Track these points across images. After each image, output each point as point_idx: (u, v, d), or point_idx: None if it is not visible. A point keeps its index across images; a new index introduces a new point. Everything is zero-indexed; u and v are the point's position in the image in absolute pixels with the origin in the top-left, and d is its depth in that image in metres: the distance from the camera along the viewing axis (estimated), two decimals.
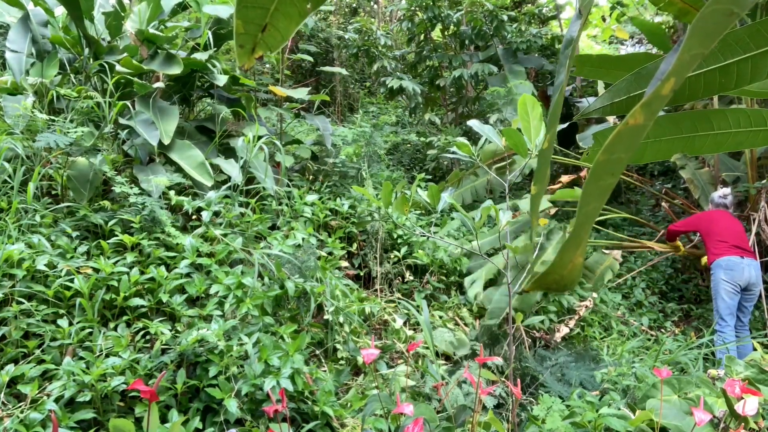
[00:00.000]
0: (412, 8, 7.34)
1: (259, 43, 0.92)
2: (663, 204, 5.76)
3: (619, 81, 1.48)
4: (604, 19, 10.25)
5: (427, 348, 3.17)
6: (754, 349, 3.36)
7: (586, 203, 0.78)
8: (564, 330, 4.02)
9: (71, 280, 2.78)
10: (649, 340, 4.50)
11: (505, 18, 7.13)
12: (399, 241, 4.79)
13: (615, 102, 1.51)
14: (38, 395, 2.31)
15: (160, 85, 4.53)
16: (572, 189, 4.67)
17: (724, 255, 4.32)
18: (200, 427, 2.37)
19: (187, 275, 3.15)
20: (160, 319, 2.83)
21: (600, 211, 0.83)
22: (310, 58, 5.76)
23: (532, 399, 3.10)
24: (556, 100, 1.00)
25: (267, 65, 7.21)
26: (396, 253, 4.68)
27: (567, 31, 1.07)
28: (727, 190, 4.73)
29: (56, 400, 2.25)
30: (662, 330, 4.76)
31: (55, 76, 4.40)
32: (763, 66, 1.22)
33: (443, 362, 3.73)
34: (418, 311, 3.75)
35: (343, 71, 6.06)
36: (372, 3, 11.04)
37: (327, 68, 5.97)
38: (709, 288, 4.96)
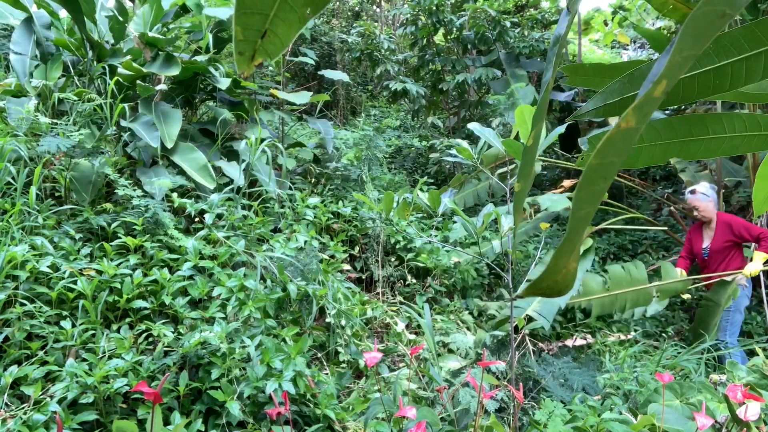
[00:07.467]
0: (415, 12, 7.36)
1: (258, 49, 0.92)
2: (672, 208, 5.68)
3: (612, 82, 1.47)
4: (606, 24, 10.27)
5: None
6: (755, 355, 3.35)
7: (578, 208, 0.78)
8: (581, 341, 3.98)
9: (74, 282, 2.79)
10: (651, 345, 4.49)
11: (508, 24, 7.14)
12: (401, 244, 4.79)
13: (608, 104, 1.50)
14: (41, 397, 2.32)
15: (162, 87, 4.54)
16: None
17: None
18: (202, 429, 2.37)
19: (190, 277, 3.15)
20: (163, 321, 2.83)
21: (593, 216, 0.82)
22: (312, 62, 5.75)
23: (534, 403, 3.10)
24: (543, 97, 1.00)
25: (269, 68, 7.23)
26: (400, 254, 4.68)
27: (555, 29, 1.06)
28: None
29: (59, 402, 2.25)
30: (664, 335, 4.75)
31: (59, 78, 4.41)
32: (757, 67, 1.22)
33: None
34: (419, 315, 3.76)
35: (345, 77, 5.97)
36: (375, 7, 11.07)
37: (328, 72, 5.91)
38: None
